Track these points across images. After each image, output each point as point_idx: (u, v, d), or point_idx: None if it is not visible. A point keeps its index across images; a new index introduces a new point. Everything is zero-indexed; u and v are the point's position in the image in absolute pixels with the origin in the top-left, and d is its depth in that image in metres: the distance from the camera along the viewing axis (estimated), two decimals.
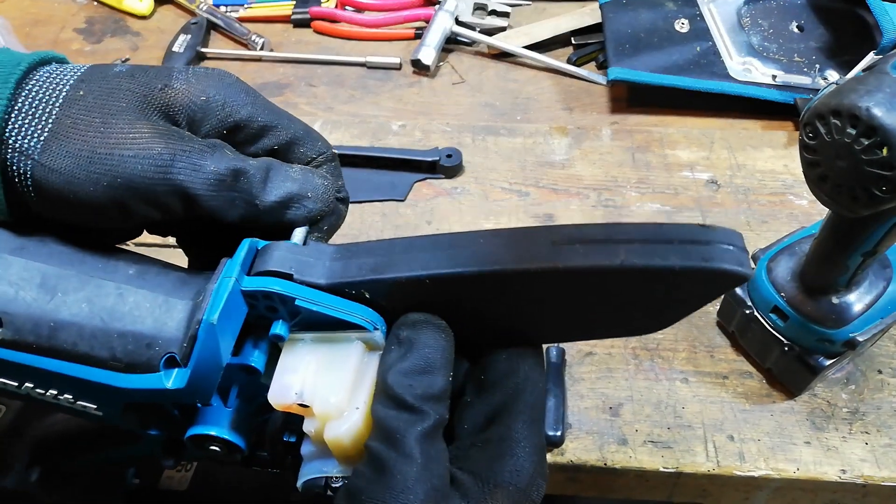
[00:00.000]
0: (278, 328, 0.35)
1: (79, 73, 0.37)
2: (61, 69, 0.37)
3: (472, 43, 1.06)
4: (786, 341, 0.61)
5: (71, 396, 0.36)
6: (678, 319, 0.36)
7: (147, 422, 0.39)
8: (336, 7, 1.12)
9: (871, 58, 0.86)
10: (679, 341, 0.68)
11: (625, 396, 0.64)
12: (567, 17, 1.07)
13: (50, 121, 0.35)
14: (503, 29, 1.07)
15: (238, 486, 0.59)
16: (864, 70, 0.45)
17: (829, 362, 0.60)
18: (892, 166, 0.43)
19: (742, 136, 0.89)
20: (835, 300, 0.58)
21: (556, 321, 0.37)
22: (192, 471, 0.60)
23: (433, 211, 0.82)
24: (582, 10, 1.08)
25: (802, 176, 0.49)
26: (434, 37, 1.02)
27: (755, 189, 0.83)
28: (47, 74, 0.36)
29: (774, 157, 0.87)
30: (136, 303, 0.35)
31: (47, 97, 0.35)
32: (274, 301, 0.34)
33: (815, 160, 0.47)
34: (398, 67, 1.03)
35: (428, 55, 1.00)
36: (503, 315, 0.36)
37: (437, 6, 1.05)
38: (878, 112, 0.42)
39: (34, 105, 0.35)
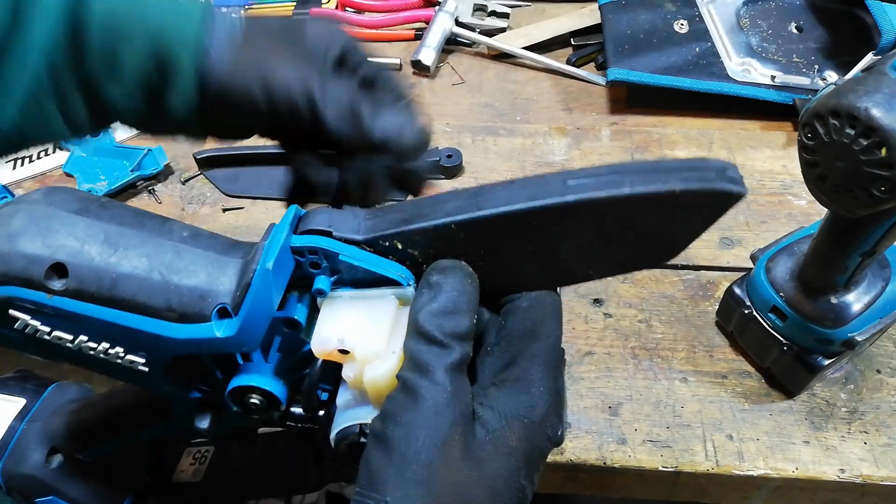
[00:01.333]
0: (321, 283, 0.38)
1: (244, 17, 0.47)
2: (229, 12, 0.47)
3: (471, 44, 1.06)
4: (785, 341, 0.61)
5: (122, 350, 0.38)
6: (685, 246, 0.38)
7: (188, 381, 0.42)
8: (336, 8, 1.13)
9: (869, 58, 0.86)
10: (678, 341, 0.68)
11: (624, 396, 0.64)
12: (566, 18, 1.07)
13: (234, 41, 0.45)
14: (503, 30, 1.07)
15: (251, 478, 0.60)
16: (862, 71, 0.46)
17: (827, 362, 0.60)
18: (890, 166, 0.43)
19: (741, 137, 0.90)
20: (833, 300, 0.58)
21: (572, 258, 0.39)
22: (206, 463, 0.61)
23: None
24: (581, 11, 1.08)
25: (801, 176, 0.50)
26: (434, 38, 1.02)
27: (754, 189, 0.83)
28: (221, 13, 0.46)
29: (773, 157, 0.87)
30: (191, 260, 0.38)
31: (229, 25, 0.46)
32: (318, 257, 0.38)
33: (813, 160, 0.47)
34: (398, 68, 1.03)
35: (428, 56, 1.00)
36: (525, 256, 0.38)
37: (436, 7, 1.06)
38: (876, 112, 0.42)
39: (222, 28, 0.45)
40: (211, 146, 0.88)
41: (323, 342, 0.37)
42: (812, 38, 0.95)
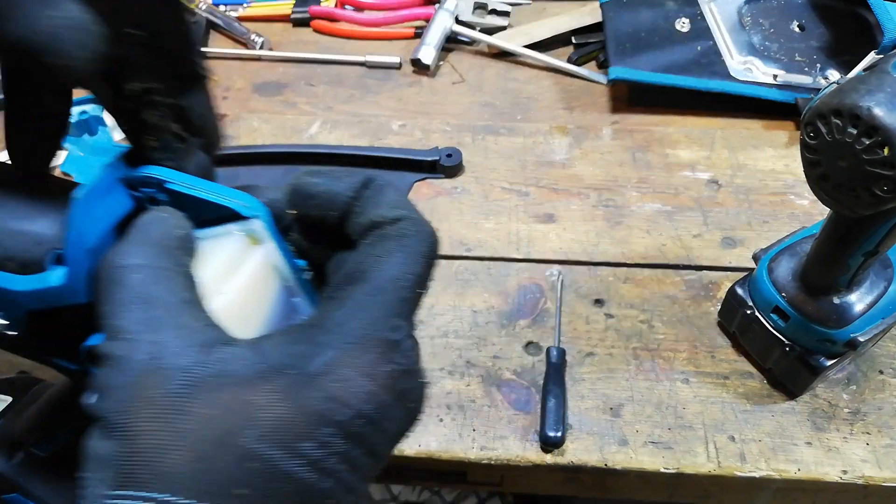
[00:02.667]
0: None
1: None
2: None
3: (472, 42, 1.06)
4: (787, 341, 0.61)
5: None
6: None
7: (61, 348, 0.37)
8: (336, 6, 1.12)
9: (871, 57, 0.86)
10: (680, 342, 0.68)
11: (625, 397, 0.64)
12: (567, 16, 1.07)
13: None
14: (503, 28, 1.07)
15: None
16: (865, 69, 0.45)
17: (830, 363, 0.59)
18: (893, 166, 0.42)
19: (743, 136, 0.89)
20: (836, 300, 0.58)
21: None
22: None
23: (433, 210, 0.82)
24: (582, 9, 1.08)
25: (803, 175, 0.49)
26: (434, 36, 1.01)
27: (756, 189, 0.83)
28: None
29: (775, 156, 0.86)
30: (35, 205, 0.34)
31: None
32: (154, 190, 0.33)
33: (816, 160, 0.47)
34: (398, 67, 1.03)
35: (428, 54, 1.00)
36: None
37: (436, 5, 1.05)
38: (879, 112, 0.42)
39: None
40: None
41: None
42: (814, 37, 0.94)
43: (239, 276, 0.32)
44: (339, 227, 0.32)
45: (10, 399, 0.57)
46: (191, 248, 0.31)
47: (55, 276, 0.32)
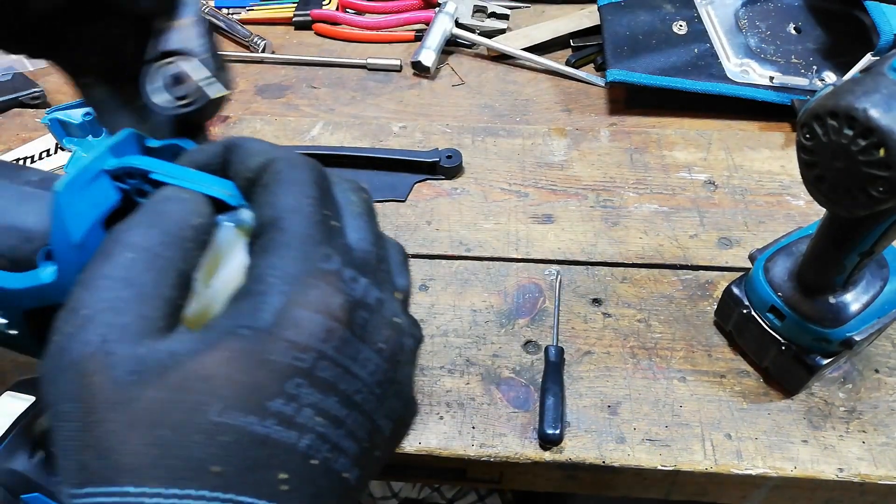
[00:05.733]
0: None
1: None
2: None
3: (471, 45, 1.07)
4: (783, 340, 0.61)
5: None
6: None
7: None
8: (337, 9, 1.13)
9: (868, 59, 0.87)
10: (677, 340, 0.69)
11: (623, 395, 0.65)
12: (566, 19, 1.07)
13: None
14: (503, 31, 1.07)
15: None
16: (861, 71, 0.46)
17: (826, 361, 0.60)
18: (888, 167, 0.43)
19: (739, 138, 0.90)
20: (832, 300, 0.59)
21: None
22: None
23: (433, 211, 0.82)
24: (581, 12, 1.08)
25: (799, 177, 0.50)
26: (434, 39, 1.02)
27: (752, 190, 0.83)
28: None
29: (772, 158, 0.87)
30: (26, 201, 0.34)
31: None
32: (138, 181, 0.32)
33: (812, 161, 0.48)
34: (399, 69, 1.03)
35: (428, 57, 1.01)
36: None
37: (436, 9, 1.06)
38: (874, 113, 0.42)
39: None
40: None
41: None
42: (810, 39, 0.95)
43: (227, 269, 0.30)
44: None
45: (32, 399, 0.57)
46: (204, 241, 0.29)
47: (46, 274, 0.31)
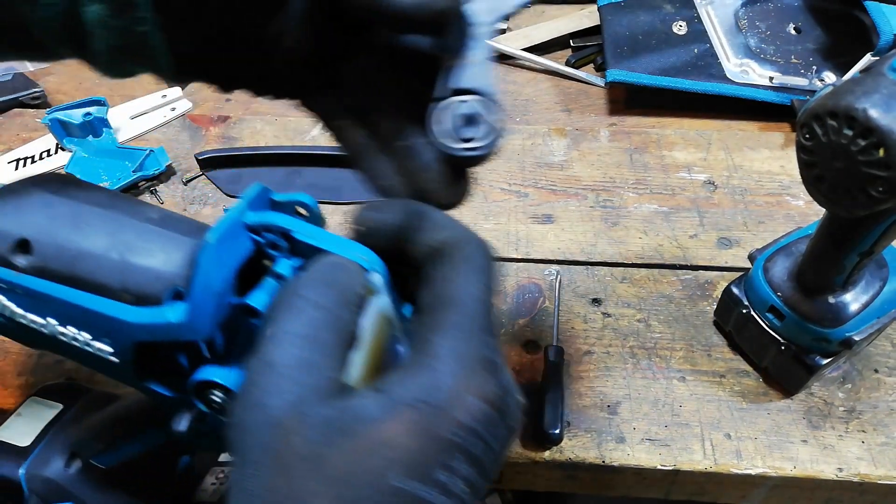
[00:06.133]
0: (281, 266, 0.36)
1: None
2: None
3: None
4: (782, 340, 0.61)
5: (89, 336, 0.36)
6: None
7: (160, 376, 0.39)
8: None
9: (867, 59, 0.87)
10: (676, 340, 0.69)
11: (622, 395, 0.65)
12: (566, 19, 1.07)
13: None
14: (502, 31, 1.07)
15: None
16: (860, 72, 0.46)
17: (825, 361, 0.60)
18: (888, 167, 0.43)
19: (739, 138, 0.90)
20: (831, 300, 0.59)
21: None
22: (225, 485, 0.61)
23: None
24: (581, 12, 1.08)
25: (799, 177, 0.50)
26: None
27: (752, 190, 0.83)
28: None
29: (771, 158, 0.87)
30: (152, 239, 0.36)
31: None
32: (276, 236, 0.35)
33: (811, 161, 0.48)
34: None
35: None
36: None
37: None
38: (874, 113, 0.42)
39: None
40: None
41: None
42: (810, 40, 0.95)
43: (360, 326, 0.33)
44: (400, 257, 0.35)
45: (60, 406, 0.58)
46: (363, 309, 0.31)
47: (174, 313, 0.33)
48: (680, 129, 0.92)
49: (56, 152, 0.93)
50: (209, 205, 0.86)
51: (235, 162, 0.89)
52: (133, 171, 0.86)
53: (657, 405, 0.64)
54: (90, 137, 0.92)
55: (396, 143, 0.37)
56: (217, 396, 0.37)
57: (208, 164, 0.89)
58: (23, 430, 0.57)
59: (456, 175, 0.36)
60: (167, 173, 0.90)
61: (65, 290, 0.35)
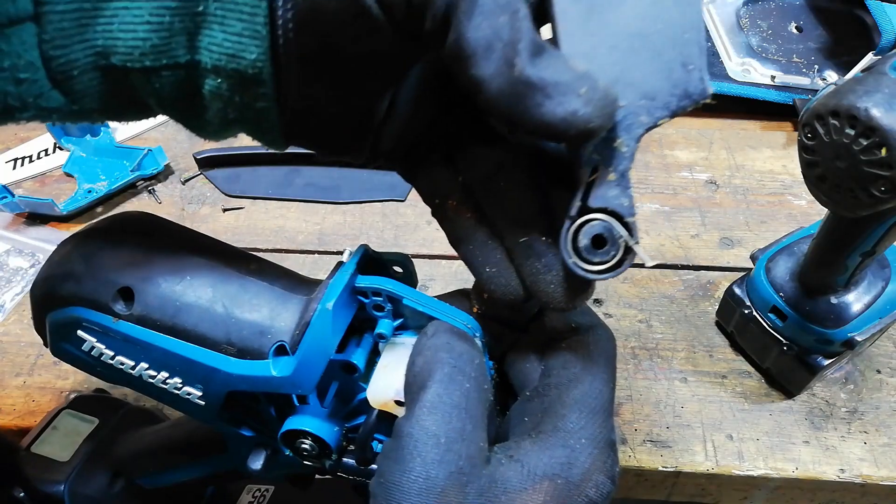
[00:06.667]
0: (383, 327, 0.37)
1: None
2: None
3: None
4: (784, 341, 0.61)
5: (179, 380, 0.37)
6: None
7: (243, 419, 0.41)
8: None
9: (869, 58, 0.87)
10: (678, 341, 0.68)
11: (624, 396, 0.64)
12: None
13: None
14: None
15: None
16: (862, 71, 0.45)
17: (827, 362, 0.60)
18: (890, 166, 0.43)
19: (741, 137, 0.90)
20: (833, 300, 0.58)
21: None
22: (265, 503, 0.61)
23: None
24: None
25: (801, 176, 0.49)
26: None
27: (754, 189, 0.83)
28: None
29: (773, 157, 0.87)
30: (255, 293, 0.37)
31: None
32: (382, 299, 0.37)
33: (813, 160, 0.47)
34: None
35: None
36: None
37: None
38: (876, 112, 0.42)
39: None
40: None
41: (380, 391, 0.36)
42: (812, 39, 0.95)
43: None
44: (521, 324, 0.39)
45: (96, 420, 0.58)
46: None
47: (280, 368, 0.35)
48: (682, 128, 0.91)
49: (54, 151, 0.93)
50: (207, 204, 0.86)
51: (234, 161, 0.89)
52: (131, 171, 0.86)
53: (659, 406, 0.64)
54: (88, 136, 0.92)
55: (514, 237, 0.35)
56: (307, 444, 0.39)
57: (207, 163, 0.89)
58: (61, 444, 0.57)
59: (578, 285, 0.34)
60: (165, 172, 0.90)
61: (165, 340, 0.36)
